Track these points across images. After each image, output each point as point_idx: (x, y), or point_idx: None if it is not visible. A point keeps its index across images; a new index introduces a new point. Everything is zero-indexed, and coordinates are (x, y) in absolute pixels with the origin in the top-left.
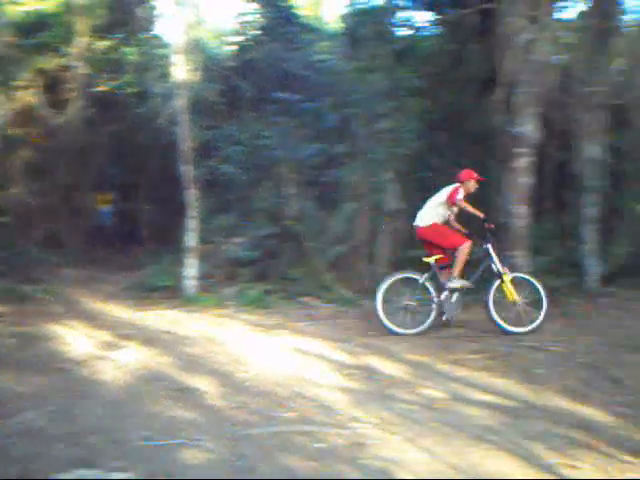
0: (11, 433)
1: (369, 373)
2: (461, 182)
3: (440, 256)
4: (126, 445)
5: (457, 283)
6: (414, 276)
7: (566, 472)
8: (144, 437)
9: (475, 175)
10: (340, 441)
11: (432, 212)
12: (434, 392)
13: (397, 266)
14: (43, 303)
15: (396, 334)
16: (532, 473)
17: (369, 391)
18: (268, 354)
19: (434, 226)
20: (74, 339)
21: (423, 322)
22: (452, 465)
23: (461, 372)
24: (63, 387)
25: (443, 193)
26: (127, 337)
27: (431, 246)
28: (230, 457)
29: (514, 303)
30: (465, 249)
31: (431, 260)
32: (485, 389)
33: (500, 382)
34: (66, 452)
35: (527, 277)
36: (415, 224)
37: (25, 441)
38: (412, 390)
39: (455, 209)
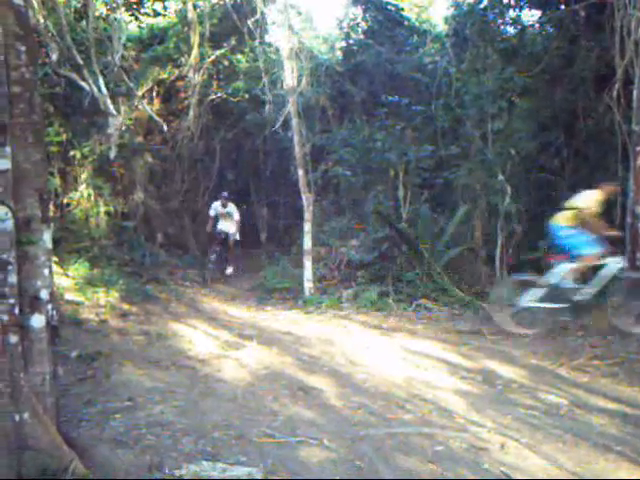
0: (143, 425)
1: (487, 376)
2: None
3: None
4: (248, 440)
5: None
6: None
7: None
8: (265, 433)
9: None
10: (459, 444)
11: None
12: (555, 398)
13: (515, 268)
14: (167, 303)
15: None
16: None
17: (487, 395)
18: (385, 356)
19: None
20: (197, 338)
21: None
22: (575, 474)
23: (584, 378)
24: (189, 383)
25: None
26: (248, 337)
27: None
28: (349, 457)
29: None
30: None
31: None
32: (610, 397)
33: (626, 390)
34: (192, 445)
35: None
36: None
37: (155, 432)
38: (532, 395)
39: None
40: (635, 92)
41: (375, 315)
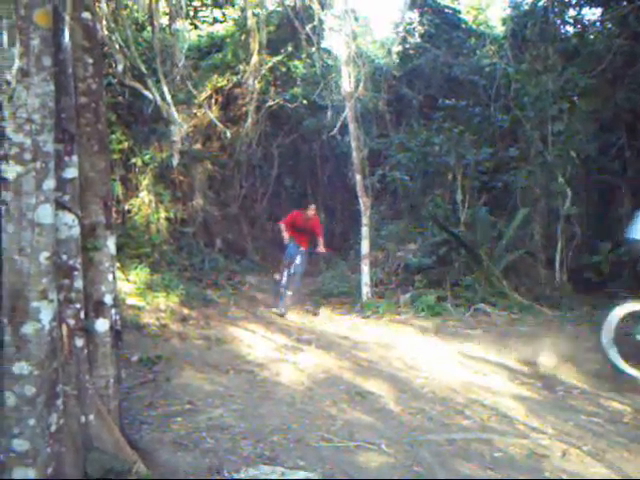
0: (203, 428)
1: (547, 382)
2: None
3: None
4: (306, 444)
5: None
6: None
7: None
8: (324, 438)
9: None
10: (519, 451)
11: None
12: (619, 405)
13: (574, 273)
14: (225, 307)
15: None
16: None
17: (548, 401)
18: (443, 361)
19: None
20: (256, 342)
21: None
22: None
23: None
24: (248, 387)
25: None
26: (306, 341)
27: None
28: (407, 462)
29: None
30: None
31: None
32: None
33: None
34: (251, 448)
35: None
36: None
37: (215, 436)
38: (594, 401)
39: None
40: None
41: (433, 320)
